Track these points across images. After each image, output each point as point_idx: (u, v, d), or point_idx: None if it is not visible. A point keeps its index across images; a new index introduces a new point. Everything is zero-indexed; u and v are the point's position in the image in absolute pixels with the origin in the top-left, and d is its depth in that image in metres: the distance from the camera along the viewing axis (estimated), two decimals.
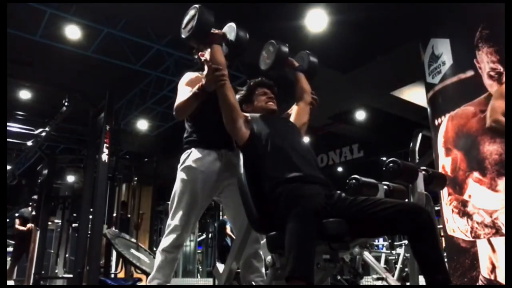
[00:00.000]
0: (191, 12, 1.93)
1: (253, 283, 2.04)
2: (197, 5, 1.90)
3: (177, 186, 2.06)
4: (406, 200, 2.13)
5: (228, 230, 6.92)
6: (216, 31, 1.96)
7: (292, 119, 2.12)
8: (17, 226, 6.86)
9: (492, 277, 2.84)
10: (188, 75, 2.21)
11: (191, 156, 2.07)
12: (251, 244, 2.02)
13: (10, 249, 7.01)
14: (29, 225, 6.64)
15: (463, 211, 3.08)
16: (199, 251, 12.47)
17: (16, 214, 7.19)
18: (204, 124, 2.12)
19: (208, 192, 2.05)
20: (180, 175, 2.06)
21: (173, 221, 1.99)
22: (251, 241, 1.99)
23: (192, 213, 2.01)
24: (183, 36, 1.96)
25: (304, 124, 2.13)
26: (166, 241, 1.99)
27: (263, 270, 2.08)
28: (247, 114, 1.94)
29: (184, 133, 2.20)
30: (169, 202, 2.07)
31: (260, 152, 1.81)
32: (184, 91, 2.07)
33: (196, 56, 2.26)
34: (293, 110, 2.18)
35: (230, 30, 2.02)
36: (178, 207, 2.01)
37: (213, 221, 10.55)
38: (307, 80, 2.27)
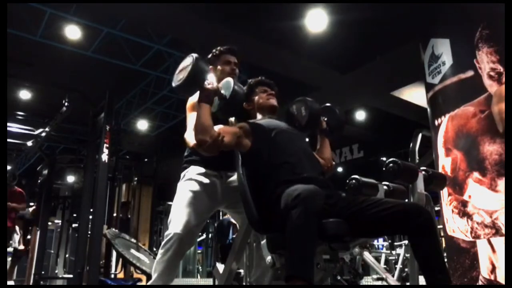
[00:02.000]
0: (187, 60, 1.79)
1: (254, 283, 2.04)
2: (193, 55, 1.76)
3: (178, 197, 2.05)
4: (406, 200, 2.13)
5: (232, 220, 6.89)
6: (209, 85, 1.77)
7: None
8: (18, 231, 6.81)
9: (492, 277, 2.84)
10: (192, 100, 2.11)
11: (192, 170, 2.09)
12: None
13: (10, 249, 7.00)
14: (23, 247, 6.57)
15: (463, 211, 3.08)
16: (199, 251, 12.45)
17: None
18: None
19: (209, 203, 2.05)
20: (182, 186, 2.07)
21: (173, 230, 1.96)
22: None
23: (192, 223, 1.98)
24: (173, 84, 1.82)
25: None
26: (165, 251, 1.95)
27: None
28: (246, 125, 1.90)
29: (185, 151, 2.21)
30: (169, 214, 2.06)
31: (261, 155, 1.81)
32: (191, 119, 1.99)
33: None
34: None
35: (226, 84, 1.86)
36: (179, 216, 1.98)
37: (213, 221, 10.54)
38: (336, 136, 2.23)
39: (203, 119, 1.71)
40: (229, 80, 1.86)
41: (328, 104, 2.29)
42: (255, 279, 2.06)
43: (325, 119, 2.20)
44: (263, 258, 2.02)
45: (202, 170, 2.07)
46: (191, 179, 2.06)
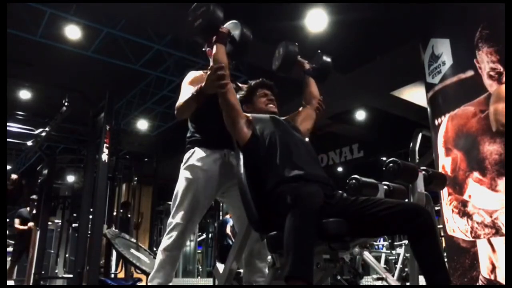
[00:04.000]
0: (202, 7, 1.91)
1: (254, 283, 2.04)
2: (210, 4, 1.90)
3: (179, 185, 2.04)
4: (406, 200, 2.13)
5: (228, 230, 6.91)
6: (223, 28, 1.94)
7: (297, 122, 2.11)
8: (16, 225, 6.86)
9: (492, 277, 2.84)
10: (192, 74, 2.19)
11: (194, 155, 2.06)
12: (252, 243, 2.01)
13: (10, 249, 7.00)
14: (30, 224, 6.63)
15: (463, 211, 3.08)
16: (199, 251, 12.46)
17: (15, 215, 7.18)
18: (206, 124, 2.10)
19: (211, 191, 2.04)
20: (183, 174, 2.05)
21: (175, 219, 1.98)
22: (252, 240, 1.98)
23: (194, 212, 1.99)
24: (191, 29, 1.95)
25: (308, 130, 2.13)
26: (167, 240, 1.97)
27: (266, 270, 2.07)
28: (249, 115, 1.93)
29: (187, 133, 2.20)
30: (171, 201, 2.05)
31: (261, 152, 1.81)
32: (186, 91, 2.05)
33: (204, 49, 2.23)
34: (300, 114, 2.17)
35: (234, 27, 1.99)
36: (180, 205, 1.99)
37: (213, 221, 10.54)
38: (320, 82, 2.25)
39: (220, 56, 1.88)
40: (236, 22, 2.00)
41: (318, 51, 2.34)
42: (246, 279, 2.06)
43: (313, 65, 2.27)
44: (256, 257, 2.04)
45: (204, 153, 2.05)
46: (192, 166, 2.04)
